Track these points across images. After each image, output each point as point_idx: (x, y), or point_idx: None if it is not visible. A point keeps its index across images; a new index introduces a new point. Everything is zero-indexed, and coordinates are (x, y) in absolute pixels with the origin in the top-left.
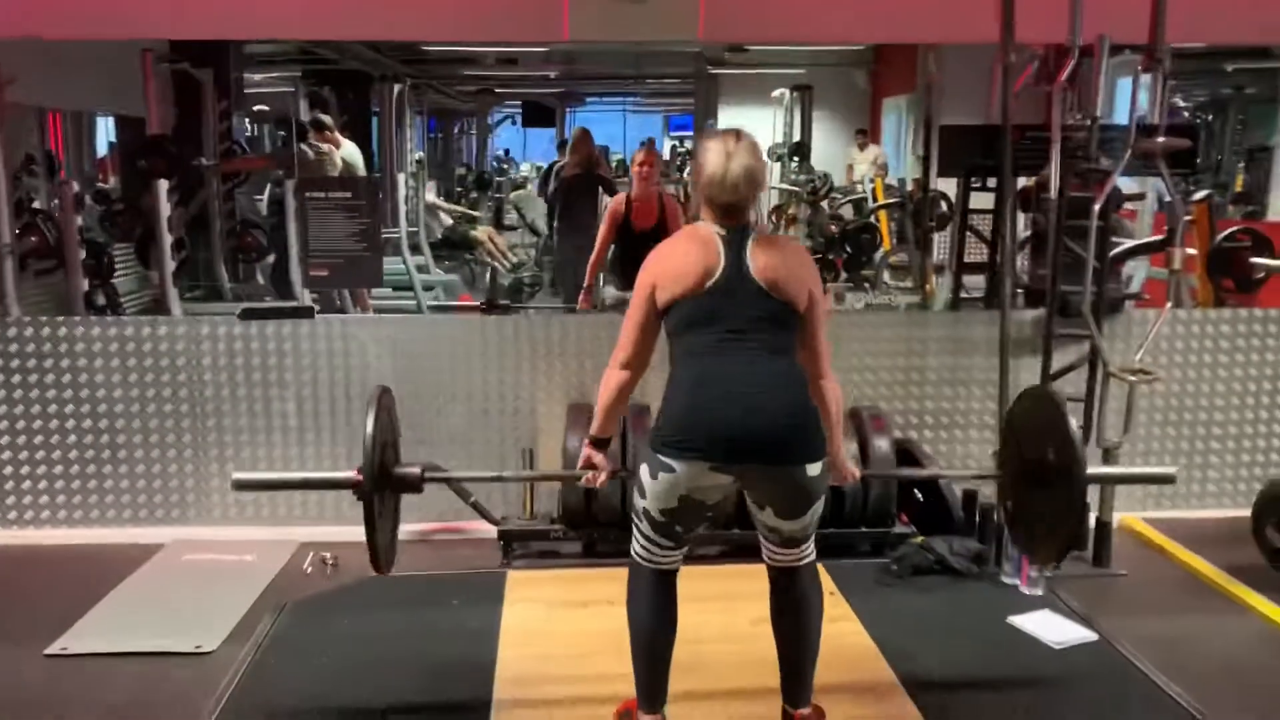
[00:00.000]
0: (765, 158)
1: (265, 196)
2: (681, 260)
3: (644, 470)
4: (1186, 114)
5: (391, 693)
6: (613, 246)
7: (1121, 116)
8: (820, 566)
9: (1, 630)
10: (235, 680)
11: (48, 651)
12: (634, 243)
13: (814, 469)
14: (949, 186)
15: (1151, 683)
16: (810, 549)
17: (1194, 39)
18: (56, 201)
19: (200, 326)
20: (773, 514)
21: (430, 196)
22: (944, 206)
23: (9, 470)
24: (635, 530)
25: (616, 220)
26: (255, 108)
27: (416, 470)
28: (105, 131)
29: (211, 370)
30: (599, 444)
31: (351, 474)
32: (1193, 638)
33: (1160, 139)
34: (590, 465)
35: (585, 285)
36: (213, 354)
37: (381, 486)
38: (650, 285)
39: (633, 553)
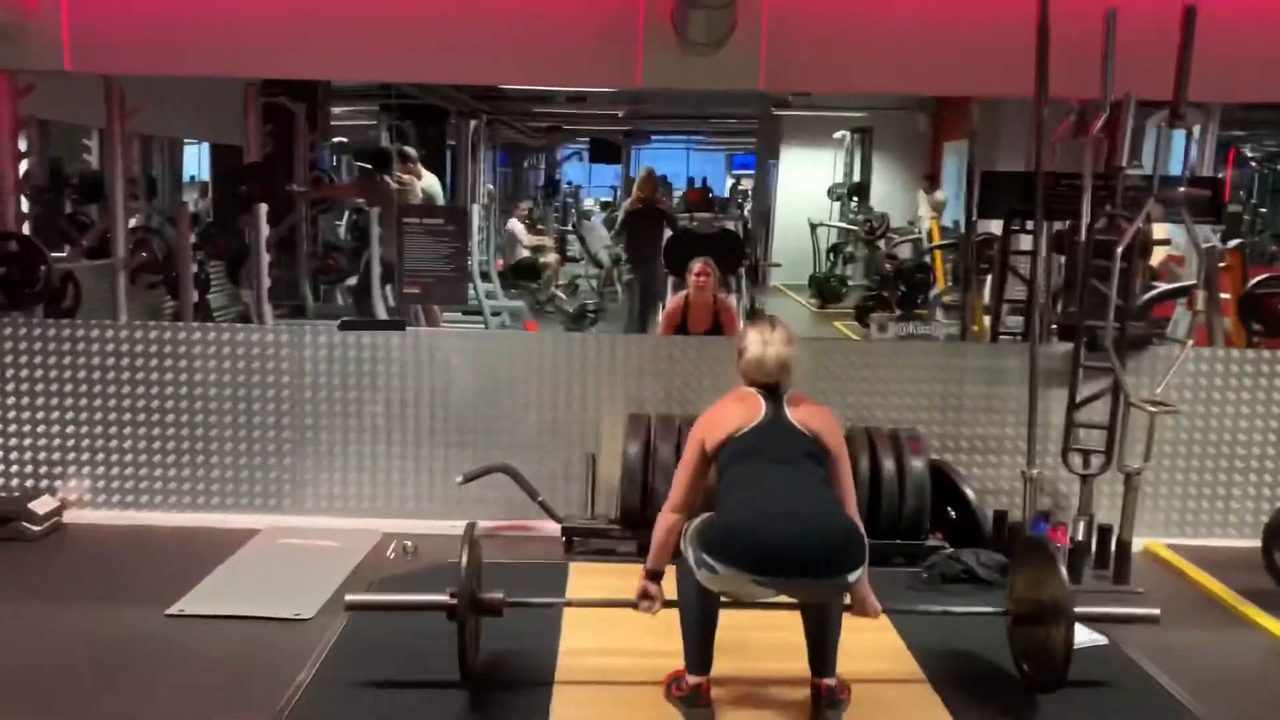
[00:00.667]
0: (795, 344)
1: (344, 222)
2: (729, 413)
3: (691, 556)
4: (1254, 164)
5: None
6: None
7: (1163, 166)
8: None
9: (127, 594)
10: (331, 643)
11: (168, 612)
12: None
13: (854, 575)
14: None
15: (1155, 683)
16: None
17: (1220, 98)
18: (155, 219)
19: (303, 335)
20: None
21: (515, 225)
22: (994, 249)
23: (129, 458)
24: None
25: (673, 322)
26: (336, 139)
27: (499, 596)
28: (196, 158)
29: (311, 374)
30: (654, 576)
31: (446, 598)
32: (1199, 649)
33: (1182, 189)
34: (646, 596)
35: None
36: (313, 360)
37: (469, 610)
38: (700, 438)
39: (682, 559)
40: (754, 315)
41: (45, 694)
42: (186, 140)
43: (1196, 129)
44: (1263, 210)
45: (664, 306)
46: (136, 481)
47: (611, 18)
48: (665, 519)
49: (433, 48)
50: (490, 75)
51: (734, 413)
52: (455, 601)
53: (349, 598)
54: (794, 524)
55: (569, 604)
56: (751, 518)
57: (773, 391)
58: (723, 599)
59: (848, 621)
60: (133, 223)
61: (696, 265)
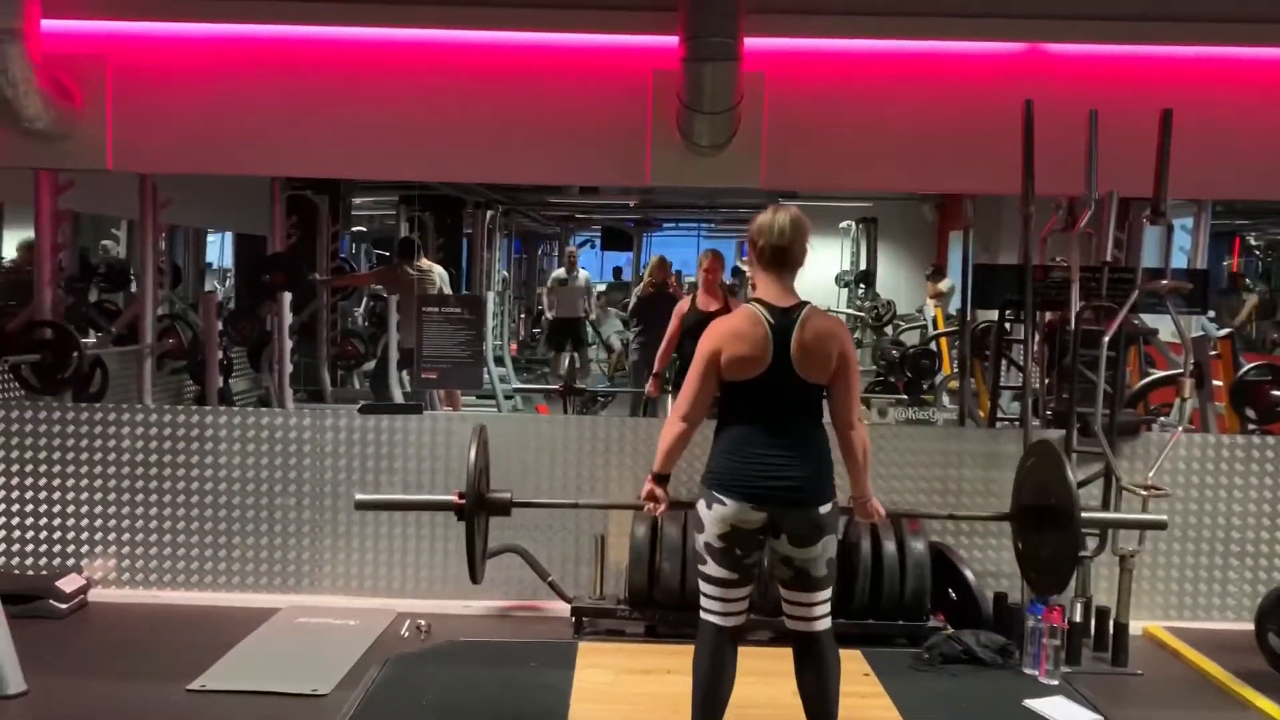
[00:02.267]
0: (808, 222)
1: (362, 309)
2: (739, 337)
3: (701, 505)
4: (1257, 253)
5: None
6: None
7: (1151, 260)
8: (859, 652)
9: (150, 669)
10: (348, 717)
11: (189, 687)
12: (698, 322)
13: (824, 508)
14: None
15: None
16: (823, 610)
17: (1199, 195)
18: (178, 306)
19: (325, 418)
20: (786, 541)
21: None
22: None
23: (154, 538)
24: (702, 586)
25: (682, 311)
26: (354, 229)
27: (507, 495)
28: (219, 247)
29: (331, 457)
30: (660, 480)
31: (453, 497)
32: None
33: (1165, 281)
34: (652, 497)
35: (655, 371)
36: (334, 443)
37: (478, 509)
38: (714, 353)
39: (702, 612)
40: None
41: None
42: (209, 230)
43: (1189, 221)
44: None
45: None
46: (160, 561)
47: (622, 121)
48: (674, 426)
49: (453, 149)
50: (509, 174)
51: (743, 340)
52: (463, 500)
53: (359, 497)
54: (781, 469)
55: (577, 505)
56: (747, 461)
57: (784, 273)
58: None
59: (848, 698)
60: (160, 310)
61: (706, 260)
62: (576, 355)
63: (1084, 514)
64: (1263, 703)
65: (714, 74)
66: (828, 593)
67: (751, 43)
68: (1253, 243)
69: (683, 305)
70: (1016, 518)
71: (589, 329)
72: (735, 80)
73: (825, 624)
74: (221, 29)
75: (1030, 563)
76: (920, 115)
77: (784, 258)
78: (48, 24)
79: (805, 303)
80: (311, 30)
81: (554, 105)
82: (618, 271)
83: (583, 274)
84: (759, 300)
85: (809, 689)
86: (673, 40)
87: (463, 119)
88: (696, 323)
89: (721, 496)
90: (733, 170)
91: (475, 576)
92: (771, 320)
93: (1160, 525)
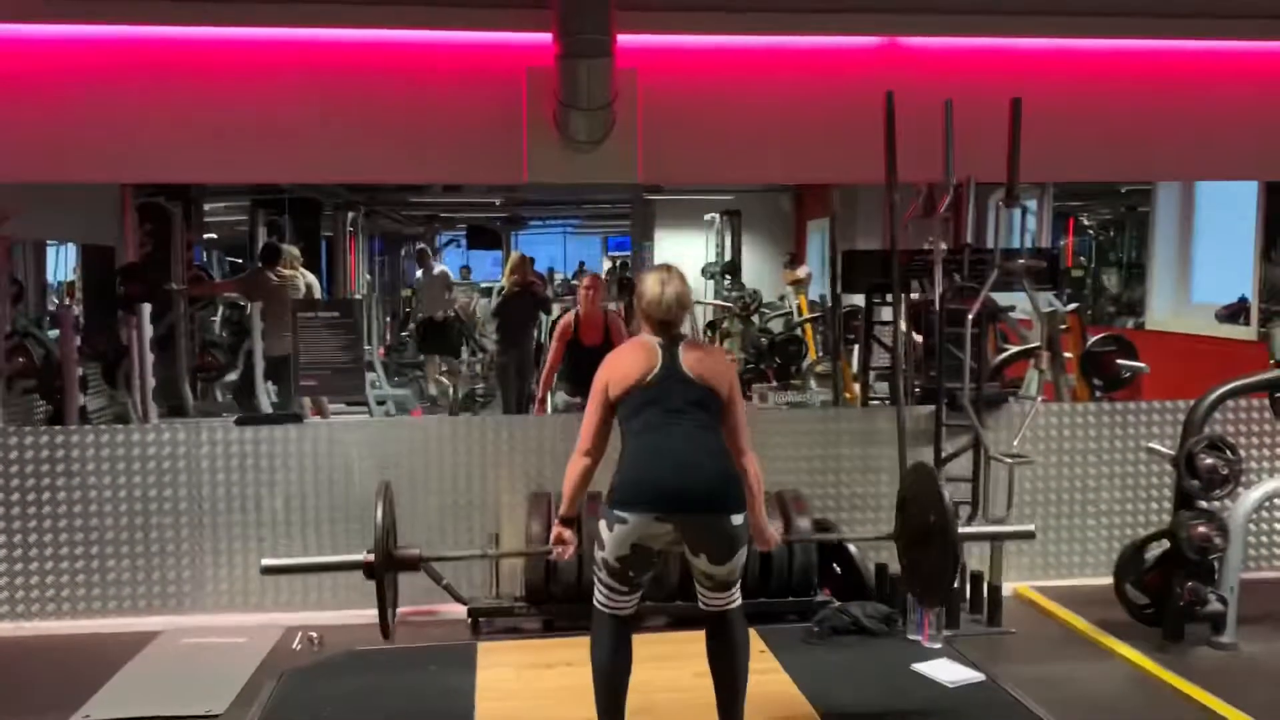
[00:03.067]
0: (690, 285)
1: (218, 319)
2: (629, 363)
3: (602, 525)
4: (1091, 232)
5: None
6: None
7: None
8: (752, 631)
9: (25, 705)
10: None
11: (73, 718)
12: (582, 357)
13: (737, 519)
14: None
15: (1030, 712)
16: (736, 594)
17: (1048, 178)
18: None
19: (200, 432)
20: (706, 560)
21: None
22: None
23: (18, 567)
24: (596, 581)
25: (566, 337)
26: (205, 235)
27: (415, 552)
28: (60, 260)
29: (209, 471)
30: (567, 522)
31: (363, 556)
32: (1067, 679)
33: (1021, 260)
34: (560, 541)
35: (539, 397)
36: (210, 457)
37: (387, 567)
38: (604, 386)
39: (595, 603)
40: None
41: None
42: (51, 242)
43: (1033, 204)
44: (1103, 276)
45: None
46: (28, 590)
47: (497, 118)
48: (577, 463)
49: (322, 150)
50: (382, 174)
51: (634, 364)
52: (372, 558)
53: (265, 561)
54: (681, 467)
55: (486, 556)
56: (648, 469)
57: (669, 331)
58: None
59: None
60: (7, 328)
61: (585, 279)
62: (445, 370)
63: (960, 530)
64: (1123, 649)
65: (589, 70)
66: (738, 581)
67: (624, 39)
68: (1085, 223)
69: (566, 324)
70: (900, 537)
71: (458, 330)
72: (610, 76)
73: (736, 603)
74: (70, 30)
75: (914, 577)
76: (787, 109)
77: (672, 325)
78: None
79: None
80: (166, 30)
81: (427, 104)
82: (465, 271)
83: (439, 269)
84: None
85: (720, 665)
86: (546, 38)
87: (332, 119)
88: (581, 359)
89: (622, 513)
90: (610, 166)
91: (386, 633)
92: (661, 341)
93: (1028, 535)
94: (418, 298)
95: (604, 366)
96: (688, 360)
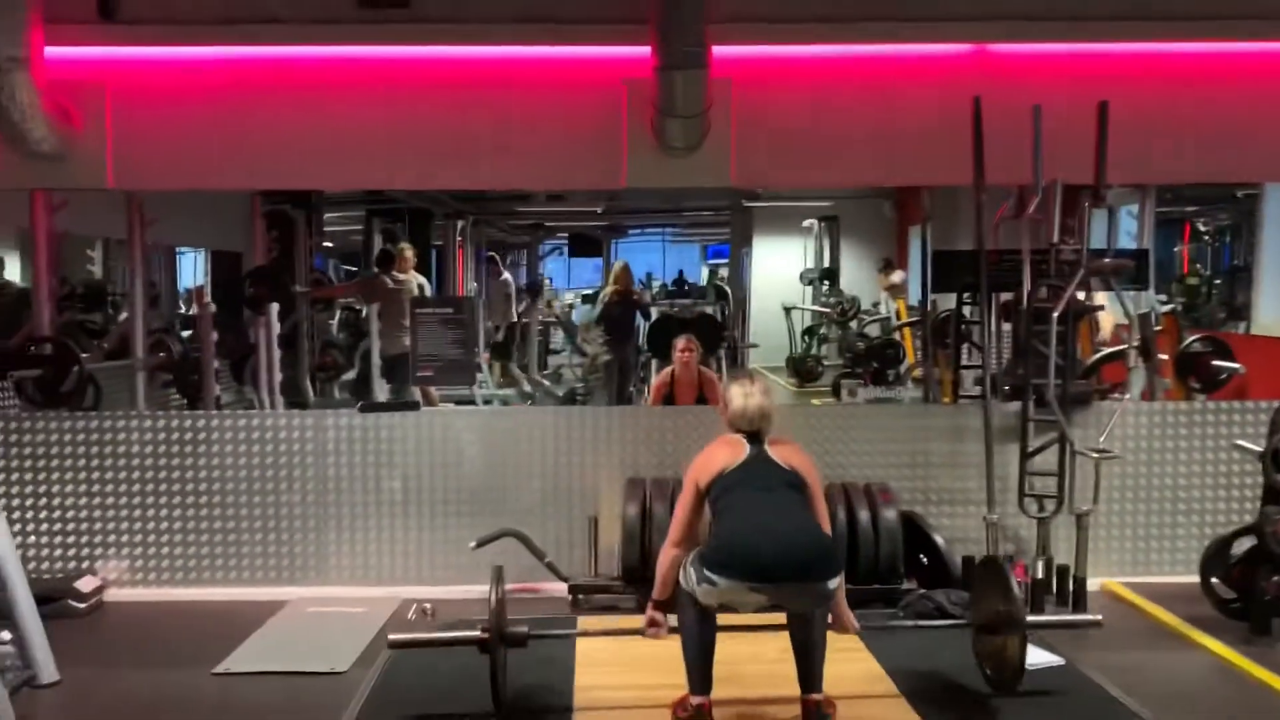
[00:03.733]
0: (772, 396)
1: (336, 321)
2: (718, 455)
3: (693, 573)
4: (1207, 238)
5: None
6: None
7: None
8: None
9: (174, 658)
10: (367, 692)
11: (214, 671)
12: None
13: (833, 584)
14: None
15: (1108, 695)
16: None
17: (1136, 180)
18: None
19: (326, 418)
20: (794, 611)
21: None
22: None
23: (165, 539)
24: (683, 583)
25: (661, 394)
26: (324, 244)
27: (524, 629)
28: (191, 264)
29: (334, 454)
30: (659, 606)
31: (477, 634)
32: (1147, 667)
33: (1107, 260)
34: (653, 624)
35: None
36: (335, 440)
37: (500, 643)
38: (695, 479)
39: (680, 589)
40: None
41: None
42: (180, 249)
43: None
44: (1217, 282)
45: (641, 382)
46: (171, 560)
47: (598, 127)
48: (667, 553)
49: (441, 159)
50: (491, 182)
51: (722, 454)
52: (487, 635)
53: (392, 636)
54: (779, 538)
55: (584, 634)
56: (743, 535)
57: (755, 436)
58: (719, 620)
59: (832, 653)
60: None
61: (681, 342)
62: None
63: (1029, 619)
64: (1208, 641)
65: (685, 80)
66: None
67: (719, 50)
68: (1201, 228)
69: (663, 382)
70: (975, 624)
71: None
72: (705, 86)
73: None
74: (211, 51)
75: (987, 660)
76: (877, 114)
77: (757, 435)
78: (50, 51)
79: None
80: (297, 50)
81: (535, 115)
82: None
83: (503, 276)
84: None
85: (796, 631)
86: (644, 51)
87: (446, 130)
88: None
89: (714, 577)
90: (704, 170)
91: (499, 705)
92: (748, 438)
93: (1095, 624)
94: (487, 307)
95: (695, 462)
96: (774, 451)
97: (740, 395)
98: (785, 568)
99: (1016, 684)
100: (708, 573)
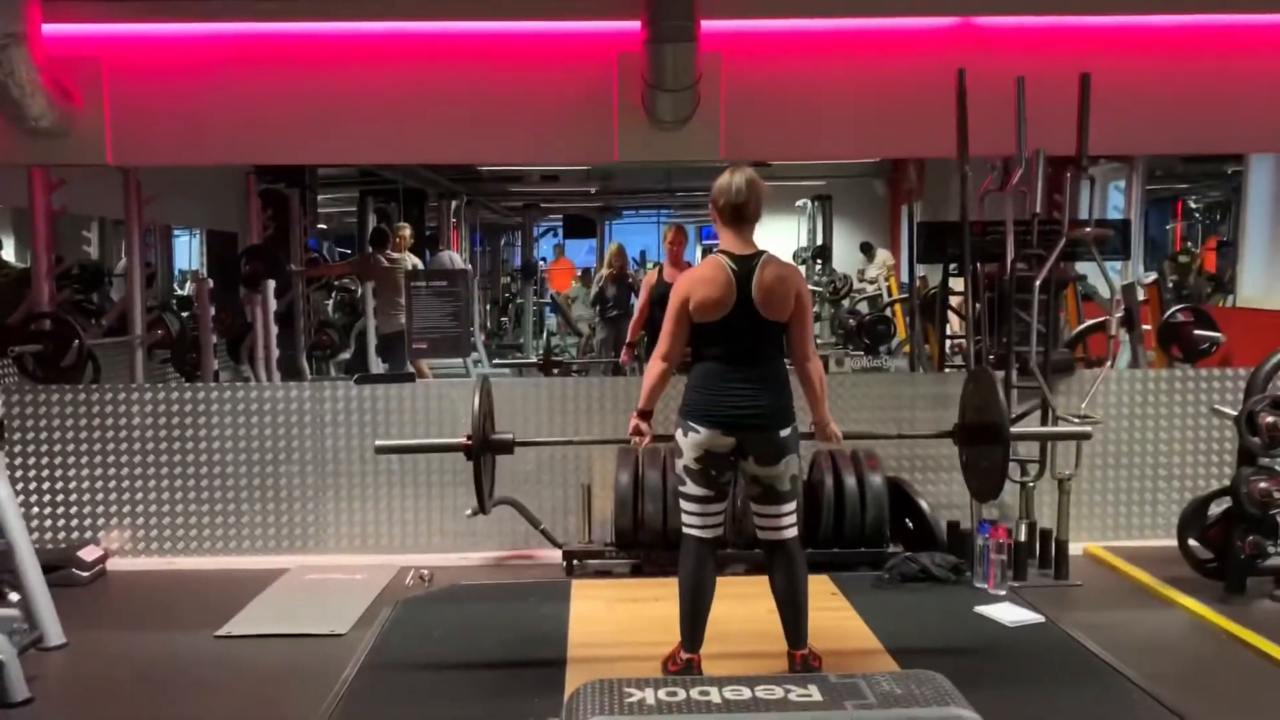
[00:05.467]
0: (764, 182)
1: (331, 301)
2: (706, 286)
3: (679, 433)
4: (1197, 214)
5: (490, 655)
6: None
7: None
8: (825, 576)
9: (176, 622)
10: (366, 651)
11: (217, 634)
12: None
13: (784, 431)
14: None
15: (1087, 650)
16: (791, 522)
17: (1118, 151)
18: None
19: (323, 390)
20: (754, 462)
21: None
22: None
23: (165, 509)
24: (683, 504)
25: (651, 283)
26: (318, 225)
27: (509, 436)
28: (186, 245)
29: (331, 425)
30: (644, 415)
31: (462, 440)
32: (1125, 624)
33: (1088, 229)
34: (638, 431)
35: (628, 342)
36: (332, 412)
37: (484, 449)
38: (684, 299)
39: (684, 530)
40: None
41: (121, 703)
42: (175, 229)
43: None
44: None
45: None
46: (172, 530)
47: (590, 102)
48: (655, 365)
49: (432, 133)
50: (484, 156)
51: (709, 293)
52: (471, 441)
53: (379, 443)
54: (743, 401)
55: (572, 442)
56: (716, 394)
57: (743, 229)
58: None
59: (818, 611)
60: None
61: (670, 234)
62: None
63: (1013, 429)
64: (1185, 600)
65: (675, 53)
66: (792, 505)
67: (708, 25)
68: (1192, 205)
69: (651, 277)
70: (959, 433)
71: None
72: (694, 59)
73: (792, 533)
74: (208, 27)
75: (972, 472)
76: (864, 87)
77: (741, 213)
78: (47, 28)
79: (763, 251)
80: (292, 26)
81: (526, 89)
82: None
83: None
84: (723, 251)
85: (780, 588)
86: (635, 25)
87: (437, 105)
88: (664, 294)
89: (695, 425)
90: (695, 144)
91: (484, 508)
92: (734, 267)
93: (1085, 436)
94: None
95: (682, 279)
96: (758, 290)
97: (726, 175)
98: (746, 422)
99: (996, 493)
100: (690, 422)
